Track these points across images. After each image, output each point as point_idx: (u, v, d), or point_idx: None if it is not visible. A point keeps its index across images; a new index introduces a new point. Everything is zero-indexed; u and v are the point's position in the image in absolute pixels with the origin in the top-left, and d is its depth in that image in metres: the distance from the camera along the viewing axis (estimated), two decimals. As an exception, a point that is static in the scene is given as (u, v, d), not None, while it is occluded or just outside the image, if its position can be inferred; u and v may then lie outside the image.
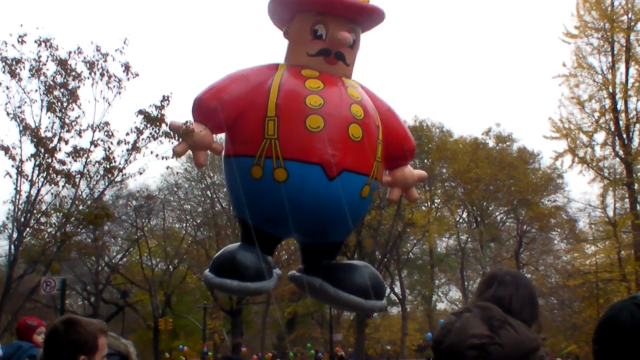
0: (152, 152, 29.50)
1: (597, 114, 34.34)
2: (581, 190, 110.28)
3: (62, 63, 25.30)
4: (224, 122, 7.88)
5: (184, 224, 56.70)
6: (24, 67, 23.09)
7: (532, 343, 3.41)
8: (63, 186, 26.28)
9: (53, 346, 4.16)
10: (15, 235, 23.96)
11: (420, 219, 46.62)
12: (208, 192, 55.45)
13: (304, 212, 7.78)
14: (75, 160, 26.22)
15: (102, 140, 26.55)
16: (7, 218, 24.57)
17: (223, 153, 8.38)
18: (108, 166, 26.75)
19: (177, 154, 7.65)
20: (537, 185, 51.53)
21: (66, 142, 25.73)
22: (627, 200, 36.12)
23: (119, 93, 27.27)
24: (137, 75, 28.24)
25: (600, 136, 35.11)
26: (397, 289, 54.51)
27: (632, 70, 33.85)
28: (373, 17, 9.40)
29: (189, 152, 8.91)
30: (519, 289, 3.81)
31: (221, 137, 9.73)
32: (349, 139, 7.92)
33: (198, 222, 54.65)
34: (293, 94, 8.08)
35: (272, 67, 8.50)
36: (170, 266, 55.12)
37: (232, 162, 8.11)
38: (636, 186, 34.61)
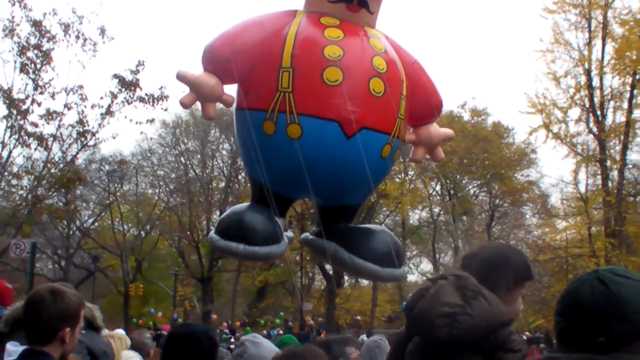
0: (126, 117, 29.47)
1: (572, 90, 34.51)
2: (554, 166, 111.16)
3: (36, 24, 25.07)
4: (236, 72, 7.30)
5: (157, 190, 56.56)
6: (-4, 26, 22.85)
7: (503, 317, 3.39)
8: (35, 149, 26.16)
9: (38, 316, 4.02)
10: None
11: (394, 190, 46.65)
12: (182, 159, 55.29)
13: (319, 172, 7.31)
14: (48, 123, 26.09)
15: (75, 103, 26.43)
16: (-23, 180, 24.38)
17: (234, 106, 7.80)
18: (81, 130, 26.63)
19: (184, 105, 7.13)
20: (510, 159, 51.78)
21: (39, 105, 25.59)
22: (599, 176, 36.34)
23: (94, 56, 27.14)
24: (112, 39, 28.11)
25: (574, 112, 35.33)
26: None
27: (608, 47, 34.01)
28: None
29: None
30: (497, 266, 3.82)
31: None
32: (369, 94, 7.35)
33: (171, 189, 54.45)
34: (310, 43, 7.54)
35: (290, 13, 7.95)
36: (142, 232, 55.01)
37: (243, 115, 7.60)
38: (608, 163, 34.84)
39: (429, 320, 3.33)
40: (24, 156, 26.13)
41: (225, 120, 55.79)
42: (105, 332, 6.26)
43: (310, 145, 7.20)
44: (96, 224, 57.97)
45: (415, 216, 58.94)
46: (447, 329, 3.27)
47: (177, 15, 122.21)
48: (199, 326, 4.66)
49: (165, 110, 28.68)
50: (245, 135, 7.63)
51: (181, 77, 7.13)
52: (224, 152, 57.96)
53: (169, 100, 27.85)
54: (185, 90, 7.21)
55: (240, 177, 57.11)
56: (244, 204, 8.27)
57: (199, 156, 56.28)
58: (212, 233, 7.70)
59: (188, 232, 51.93)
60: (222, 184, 56.29)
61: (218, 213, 54.26)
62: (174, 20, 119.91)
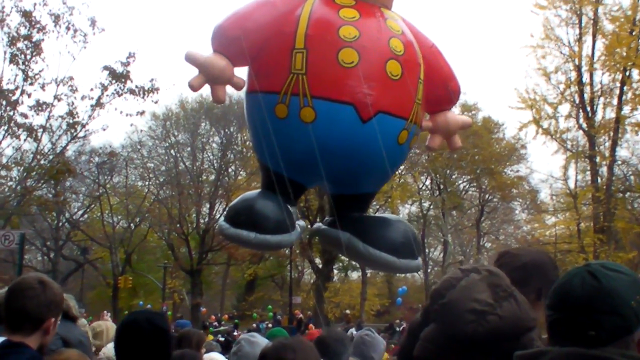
0: (116, 109, 29.42)
1: (562, 86, 34.50)
2: (544, 162, 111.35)
3: (26, 14, 24.97)
4: (247, 53, 7.03)
5: (147, 182, 56.48)
6: (-15, 17, 22.74)
7: (530, 323, 3.39)
8: (25, 140, 26.09)
9: (26, 304, 3.98)
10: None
11: (384, 184, 46.66)
12: (172, 151, 55.20)
13: (333, 158, 7.01)
14: (38, 114, 26.02)
15: (65, 94, 26.34)
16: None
17: (245, 89, 7.42)
18: (71, 121, 26.56)
19: (193, 87, 6.66)
20: (500, 155, 51.86)
21: (29, 96, 25.50)
22: (588, 172, 36.42)
23: (84, 48, 27.07)
24: (103, 30, 28.04)
25: (564, 108, 35.32)
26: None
27: (599, 44, 34.01)
28: None
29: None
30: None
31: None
32: (386, 76, 7.02)
33: (161, 181, 54.36)
34: (325, 23, 7.22)
35: None
36: (131, 224, 54.94)
37: (254, 98, 7.31)
38: (598, 159, 34.89)
39: (457, 313, 3.33)
40: (13, 147, 26.05)
41: (215, 113, 55.81)
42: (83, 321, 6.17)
43: (324, 129, 6.91)
44: (85, 216, 57.93)
45: (405, 210, 59.00)
46: (474, 325, 3.27)
47: (168, 7, 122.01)
48: (144, 313, 4.54)
49: (156, 102, 28.61)
50: (256, 119, 7.35)
51: (190, 58, 6.74)
52: (214, 144, 57.99)
53: (159, 92, 27.78)
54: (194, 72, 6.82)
55: (230, 169, 57.09)
56: (255, 191, 7.85)
57: (189, 149, 56.21)
58: (221, 221, 7.28)
59: (178, 225, 51.89)
60: (212, 177, 56.22)
61: (208, 206, 54.24)
62: (165, 13, 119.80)
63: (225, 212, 7.41)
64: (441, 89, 7.74)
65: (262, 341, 5.61)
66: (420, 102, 7.41)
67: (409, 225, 8.33)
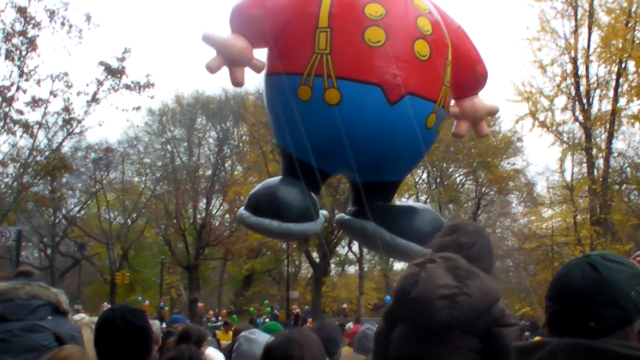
0: (112, 105, 29.47)
1: (558, 79, 34.51)
2: (540, 154, 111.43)
3: (21, 10, 24.93)
4: (268, 33, 6.69)
5: (143, 178, 56.41)
6: (-20, 12, 22.70)
7: (496, 293, 3.45)
8: (21, 136, 26.06)
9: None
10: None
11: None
12: (168, 146, 55.13)
13: (359, 143, 6.63)
14: (34, 110, 26.00)
15: (61, 90, 26.32)
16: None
17: (264, 71, 7.06)
18: (67, 117, 26.55)
19: (211, 69, 6.36)
20: (497, 147, 51.89)
21: (24, 92, 25.47)
22: (584, 165, 36.43)
23: (80, 43, 27.08)
24: (98, 25, 28.05)
25: (560, 100, 35.38)
26: (355, 248, 54.85)
27: (595, 36, 34.05)
28: None
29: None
30: (482, 238, 3.83)
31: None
32: (414, 57, 6.70)
33: (157, 176, 54.30)
34: (350, 1, 6.85)
35: None
36: (128, 220, 54.88)
37: (275, 81, 6.96)
38: (594, 151, 34.94)
39: (428, 304, 3.37)
40: (9, 144, 26.01)
41: (211, 108, 55.75)
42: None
43: (350, 111, 6.63)
44: (82, 212, 57.85)
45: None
46: (448, 310, 3.34)
47: (163, 2, 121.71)
48: (119, 310, 4.49)
49: (152, 97, 28.64)
50: (277, 103, 7.08)
51: (208, 39, 6.51)
52: (211, 140, 57.90)
53: (155, 87, 27.77)
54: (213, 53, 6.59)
55: (226, 165, 57.03)
56: (276, 178, 7.53)
57: (185, 144, 56.16)
58: (241, 209, 7.03)
59: (175, 220, 51.83)
60: (209, 172, 56.16)
61: (204, 201, 54.20)
62: (160, 7, 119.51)
63: (246, 200, 7.13)
64: (468, 72, 7.56)
65: (261, 338, 5.52)
66: (449, 85, 7.19)
67: (436, 213, 8.13)
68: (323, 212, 7.43)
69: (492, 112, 8.29)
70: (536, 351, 2.44)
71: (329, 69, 6.57)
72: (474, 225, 4.02)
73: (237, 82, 6.77)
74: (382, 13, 6.72)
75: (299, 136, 6.71)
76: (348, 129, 6.52)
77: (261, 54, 6.99)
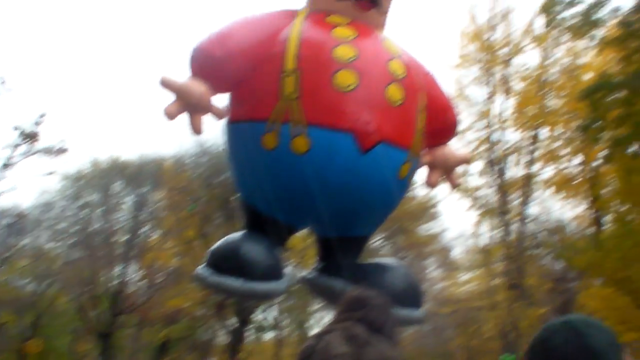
0: (26, 170, 29.01)
1: (474, 144, 35.27)
2: (457, 219, 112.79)
3: None
4: (231, 77, 6.28)
5: (57, 244, 55.27)
6: None
7: (396, 358, 3.40)
8: None
9: None
10: None
11: (298, 243, 46.58)
12: (83, 211, 54.26)
13: (329, 194, 6.17)
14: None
15: (-29, 156, 25.85)
16: None
17: (226, 118, 6.58)
18: (-21, 182, 26.05)
19: (170, 115, 5.91)
20: (414, 213, 52.38)
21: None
22: (500, 229, 37.09)
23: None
24: (10, 90, 27.76)
25: (477, 165, 36.09)
26: (274, 313, 54.44)
27: (509, 102, 35.04)
28: None
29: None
30: (389, 313, 3.77)
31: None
32: (387, 102, 6.26)
33: (72, 242, 53.30)
34: (318, 43, 6.41)
35: (290, 13, 6.82)
36: (40, 287, 53.58)
37: (237, 129, 6.52)
38: (509, 216, 35.61)
39: None
40: None
41: (128, 172, 55.27)
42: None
43: (319, 160, 6.15)
44: (-8, 278, 56.36)
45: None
46: None
47: (78, 67, 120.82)
48: None
49: (66, 162, 28.38)
50: (240, 152, 6.61)
51: (165, 83, 6.02)
52: (127, 205, 57.19)
53: (70, 152, 27.52)
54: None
55: (143, 230, 56.37)
56: (238, 233, 6.80)
57: (101, 209, 55.36)
58: (199, 268, 6.45)
59: (89, 287, 50.80)
60: (125, 238, 55.36)
61: (120, 267, 53.37)
62: (75, 72, 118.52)
63: (205, 258, 6.55)
64: (440, 119, 7.21)
65: None
66: (422, 133, 6.82)
67: (410, 271, 7.63)
68: (289, 271, 6.86)
69: (464, 161, 7.87)
70: None
71: (297, 115, 6.17)
72: (382, 298, 3.96)
73: (197, 129, 6.31)
74: (353, 56, 6.38)
75: (263, 188, 6.39)
76: (317, 179, 6.15)
77: (223, 100, 6.64)
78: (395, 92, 6.40)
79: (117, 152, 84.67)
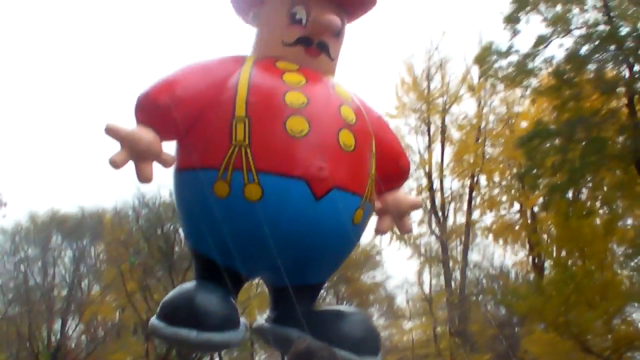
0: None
1: (414, 193, 35.45)
2: (399, 267, 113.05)
3: None
4: (179, 124, 6.09)
5: (-6, 300, 54.17)
6: None
7: None
8: None
9: None
10: None
11: (244, 292, 46.24)
12: (21, 266, 53.31)
13: (283, 242, 6.02)
14: None
15: None
16: None
17: (174, 166, 6.41)
18: None
19: (115, 164, 5.71)
20: (356, 261, 52.41)
21: None
22: (442, 277, 37.27)
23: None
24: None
25: (417, 214, 36.28)
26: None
27: (448, 151, 35.39)
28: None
29: None
30: None
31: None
32: (339, 147, 6.21)
33: (9, 298, 52.26)
34: (268, 89, 6.33)
35: (238, 59, 6.67)
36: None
37: (187, 176, 6.33)
38: (451, 263, 35.80)
39: None
40: None
41: (67, 226, 54.52)
42: None
43: (273, 208, 6.02)
44: None
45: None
46: None
47: (16, 119, 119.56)
48: None
49: (4, 217, 27.97)
50: (190, 201, 6.44)
51: (111, 131, 5.84)
52: (66, 259, 56.33)
53: (7, 206, 27.12)
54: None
55: (83, 284, 55.54)
56: (191, 283, 6.62)
57: (39, 263, 54.42)
58: (153, 319, 6.20)
59: (27, 344, 49.74)
60: (64, 292, 54.44)
61: (60, 322, 52.39)
62: (13, 124, 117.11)
63: (158, 310, 6.33)
64: (392, 164, 7.11)
65: None
66: (374, 178, 6.71)
67: (367, 317, 7.49)
68: (242, 320, 6.61)
69: (416, 207, 7.69)
70: None
71: (249, 162, 6.02)
72: (328, 350, 3.91)
73: (145, 178, 6.07)
74: (304, 101, 6.28)
75: (215, 236, 6.15)
76: (271, 227, 5.98)
77: (170, 148, 6.46)
78: (347, 138, 6.34)
79: (56, 205, 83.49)
